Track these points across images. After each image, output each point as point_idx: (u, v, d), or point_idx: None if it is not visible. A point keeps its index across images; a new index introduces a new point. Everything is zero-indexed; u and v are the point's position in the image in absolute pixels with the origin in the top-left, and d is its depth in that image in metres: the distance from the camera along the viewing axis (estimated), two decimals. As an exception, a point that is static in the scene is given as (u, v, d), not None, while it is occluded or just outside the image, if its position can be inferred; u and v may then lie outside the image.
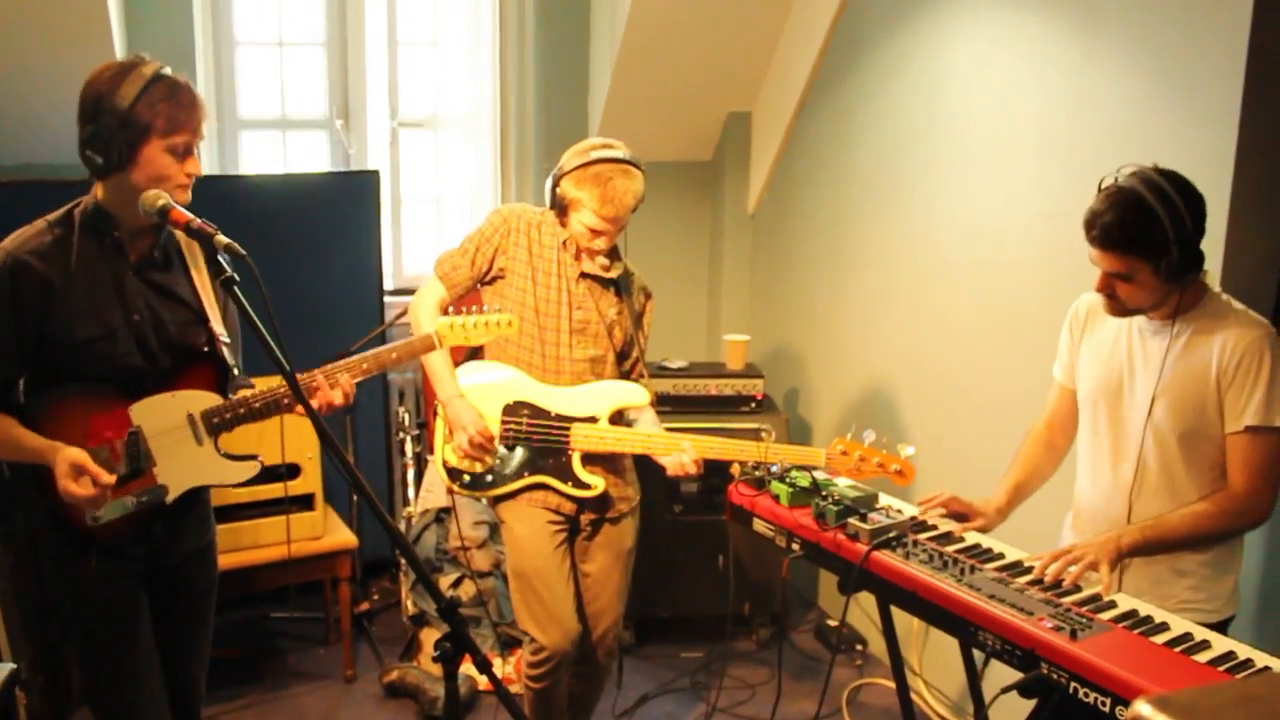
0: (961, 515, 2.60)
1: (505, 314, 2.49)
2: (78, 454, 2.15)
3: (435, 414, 3.11)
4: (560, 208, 3.00)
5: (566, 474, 3.04)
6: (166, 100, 2.17)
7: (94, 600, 2.34)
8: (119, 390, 2.28)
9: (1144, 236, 2.21)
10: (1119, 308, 2.35)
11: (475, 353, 3.20)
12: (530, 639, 3.08)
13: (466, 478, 3.08)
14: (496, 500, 3.12)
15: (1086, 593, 2.22)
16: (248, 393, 2.38)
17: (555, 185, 2.99)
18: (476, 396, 3.04)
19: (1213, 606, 2.34)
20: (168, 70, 2.22)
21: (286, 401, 2.33)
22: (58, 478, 2.14)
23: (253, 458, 2.43)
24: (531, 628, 3.06)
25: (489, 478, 3.07)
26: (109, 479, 2.18)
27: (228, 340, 2.41)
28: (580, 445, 3.03)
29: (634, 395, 3.10)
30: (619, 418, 3.10)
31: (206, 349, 2.39)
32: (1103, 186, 2.30)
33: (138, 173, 2.18)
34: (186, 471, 2.36)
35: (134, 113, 2.14)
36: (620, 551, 3.21)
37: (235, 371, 2.41)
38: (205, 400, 2.35)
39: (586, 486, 3.04)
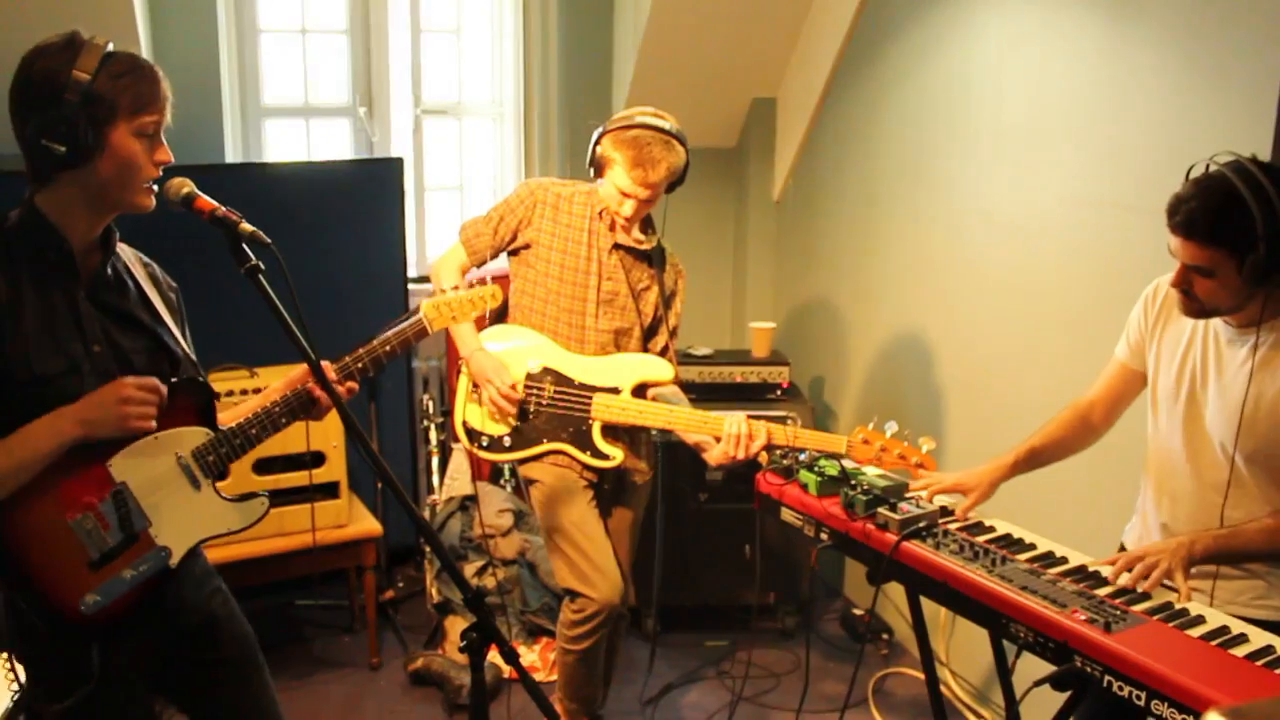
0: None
1: (488, 287, 2.33)
2: (112, 386, 1.89)
3: (458, 372, 3.13)
4: (597, 166, 3.02)
5: (586, 443, 3.04)
6: (130, 74, 1.88)
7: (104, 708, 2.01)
8: (90, 443, 1.92)
9: (1231, 227, 2.05)
10: (1195, 307, 2.20)
11: (501, 317, 3.21)
12: (572, 597, 3.07)
13: (485, 440, 3.09)
14: (520, 462, 3.13)
15: (1121, 584, 2.18)
16: (226, 415, 2.11)
17: (597, 143, 3.01)
18: (501, 360, 3.06)
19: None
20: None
21: (285, 421, 2.10)
22: (121, 405, 1.88)
23: (257, 495, 2.13)
24: (575, 583, 3.05)
25: (507, 441, 3.08)
26: (160, 386, 1.94)
27: (195, 358, 2.13)
28: (601, 415, 3.03)
29: (659, 369, 3.11)
30: (642, 392, 3.09)
31: (176, 377, 2.06)
32: (1191, 174, 2.16)
33: (106, 163, 1.87)
34: (188, 525, 2.03)
35: (97, 89, 1.83)
36: (629, 520, 3.26)
37: (216, 397, 2.11)
38: (193, 437, 2.03)
39: (605, 457, 3.05)
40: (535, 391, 3.06)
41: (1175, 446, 2.35)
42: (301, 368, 2.07)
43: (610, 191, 2.99)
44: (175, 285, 2.20)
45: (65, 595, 1.92)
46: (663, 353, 3.20)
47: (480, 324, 3.15)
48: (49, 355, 1.89)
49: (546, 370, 3.06)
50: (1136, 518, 2.52)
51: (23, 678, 1.93)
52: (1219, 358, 2.26)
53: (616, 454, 3.05)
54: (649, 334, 3.19)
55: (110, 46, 1.89)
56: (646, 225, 3.16)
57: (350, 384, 2.17)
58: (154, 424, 1.95)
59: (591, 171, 3.06)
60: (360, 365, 2.18)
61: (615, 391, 3.05)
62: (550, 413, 3.06)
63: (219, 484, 2.09)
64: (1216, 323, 2.27)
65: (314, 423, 2.24)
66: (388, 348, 2.21)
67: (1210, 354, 2.27)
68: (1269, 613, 2.22)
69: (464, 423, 3.12)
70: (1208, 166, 2.15)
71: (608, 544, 3.08)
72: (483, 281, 2.48)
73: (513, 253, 3.14)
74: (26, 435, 1.86)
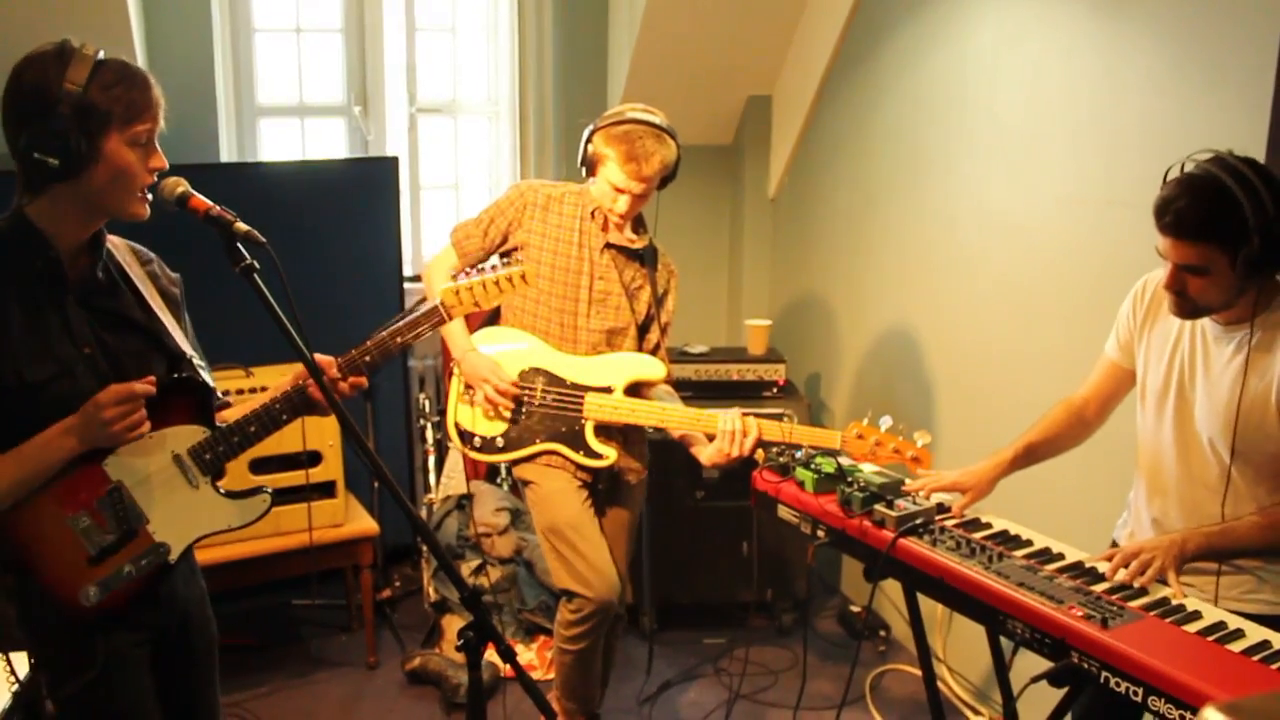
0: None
1: (516, 267, 2.18)
2: (92, 407, 1.87)
3: (450, 374, 3.13)
4: (589, 165, 3.01)
5: (579, 443, 3.04)
6: (121, 83, 1.85)
7: (109, 700, 2.04)
8: None
9: (1222, 223, 2.04)
10: (1187, 307, 2.18)
11: (493, 319, 3.20)
12: (569, 597, 3.07)
13: (478, 441, 3.09)
14: (514, 463, 3.13)
15: (1117, 580, 2.18)
16: (231, 413, 2.10)
17: (588, 142, 3.00)
18: (494, 360, 3.06)
19: (1277, 598, 2.25)
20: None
21: (285, 418, 2.08)
22: (106, 428, 1.87)
23: (260, 490, 2.13)
24: (572, 584, 3.05)
25: (500, 442, 3.07)
26: (145, 386, 1.92)
27: (197, 358, 2.11)
28: (594, 415, 3.03)
29: (651, 368, 3.11)
30: (635, 391, 3.09)
31: (176, 375, 2.05)
32: (1169, 176, 2.15)
33: (100, 173, 1.85)
34: (186, 522, 2.05)
35: (89, 100, 1.81)
36: (624, 520, 3.25)
37: (217, 394, 2.11)
38: (190, 435, 2.04)
39: (598, 457, 3.05)
40: (527, 392, 3.06)
41: (1165, 443, 2.35)
42: None
43: (603, 189, 2.99)
44: (176, 277, 2.17)
45: (65, 588, 1.95)
46: (654, 351, 3.19)
47: (472, 326, 3.14)
48: (39, 362, 1.89)
49: (538, 371, 3.06)
50: (1128, 513, 2.52)
51: (22, 674, 1.93)
52: (1206, 355, 2.26)
53: (610, 453, 3.05)
54: (641, 333, 3.19)
55: (101, 54, 1.86)
56: (638, 225, 3.16)
57: (355, 380, 2.11)
58: (147, 426, 1.95)
59: (584, 170, 3.06)
60: (368, 359, 2.12)
61: (608, 391, 3.04)
62: (543, 413, 3.06)
63: (218, 482, 2.09)
64: (1204, 320, 2.26)
65: (310, 423, 2.21)
66: (399, 339, 2.14)
67: (1198, 351, 2.27)
68: (1261, 606, 2.23)
69: (456, 424, 3.11)
70: (1183, 166, 2.15)
71: (603, 544, 3.08)
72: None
73: (504, 255, 3.14)
74: (34, 450, 1.88)
